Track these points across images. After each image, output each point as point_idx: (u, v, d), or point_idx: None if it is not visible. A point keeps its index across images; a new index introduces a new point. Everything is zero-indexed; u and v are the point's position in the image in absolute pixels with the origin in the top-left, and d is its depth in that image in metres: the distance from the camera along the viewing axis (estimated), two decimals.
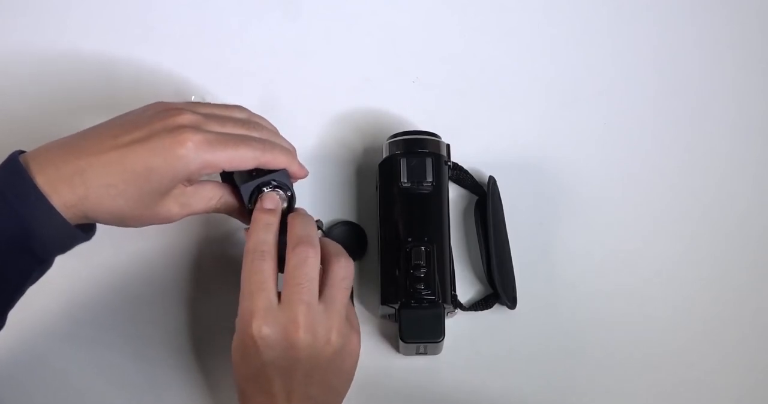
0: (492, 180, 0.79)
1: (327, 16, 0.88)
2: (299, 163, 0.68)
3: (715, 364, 0.76)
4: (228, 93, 0.81)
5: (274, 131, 0.69)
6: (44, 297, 0.73)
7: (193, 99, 0.79)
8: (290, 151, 0.68)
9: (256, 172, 0.66)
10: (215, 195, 0.68)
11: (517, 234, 0.78)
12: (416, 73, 0.86)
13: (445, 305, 0.72)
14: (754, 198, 0.81)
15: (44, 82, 0.84)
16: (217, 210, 0.68)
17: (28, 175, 0.59)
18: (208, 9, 0.88)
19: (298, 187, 0.68)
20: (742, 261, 0.79)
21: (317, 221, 0.68)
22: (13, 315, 0.64)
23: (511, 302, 0.76)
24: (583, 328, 0.77)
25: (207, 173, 0.63)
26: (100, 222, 0.64)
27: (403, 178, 0.75)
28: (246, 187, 0.66)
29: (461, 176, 0.80)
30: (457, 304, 0.74)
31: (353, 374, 0.66)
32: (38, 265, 0.62)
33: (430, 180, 0.75)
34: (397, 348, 0.75)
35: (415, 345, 0.72)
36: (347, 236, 0.78)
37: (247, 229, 0.67)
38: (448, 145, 0.78)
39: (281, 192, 0.67)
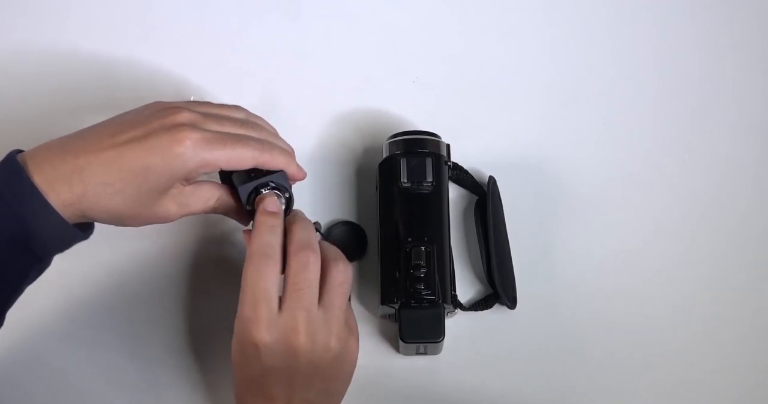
0: (492, 180, 0.79)
1: (327, 16, 0.88)
2: (298, 165, 0.68)
3: (715, 364, 0.76)
4: (228, 93, 0.81)
5: (273, 132, 0.69)
6: (42, 297, 0.73)
7: (192, 99, 0.79)
8: (289, 152, 0.68)
9: (255, 173, 0.66)
10: (213, 195, 0.67)
11: (517, 234, 0.78)
12: (416, 73, 0.86)
13: (445, 305, 0.72)
14: (754, 198, 0.81)
15: (44, 82, 0.84)
16: (215, 211, 0.68)
17: (25, 174, 0.59)
18: (208, 9, 0.88)
19: (297, 187, 0.68)
20: (742, 261, 0.79)
21: (315, 223, 0.68)
22: (12, 314, 0.64)
23: (511, 302, 0.76)
24: (583, 328, 0.76)
25: (205, 172, 0.63)
26: (98, 221, 0.64)
27: (403, 178, 0.75)
28: (244, 188, 0.66)
29: (461, 176, 0.80)
30: (457, 304, 0.74)
31: (351, 377, 0.66)
32: (36, 264, 0.62)
33: (430, 180, 0.75)
34: (397, 348, 0.75)
35: (415, 345, 0.72)
36: (347, 236, 0.78)
37: (245, 230, 0.67)
38: (448, 145, 0.78)
39: (279, 193, 0.67)
